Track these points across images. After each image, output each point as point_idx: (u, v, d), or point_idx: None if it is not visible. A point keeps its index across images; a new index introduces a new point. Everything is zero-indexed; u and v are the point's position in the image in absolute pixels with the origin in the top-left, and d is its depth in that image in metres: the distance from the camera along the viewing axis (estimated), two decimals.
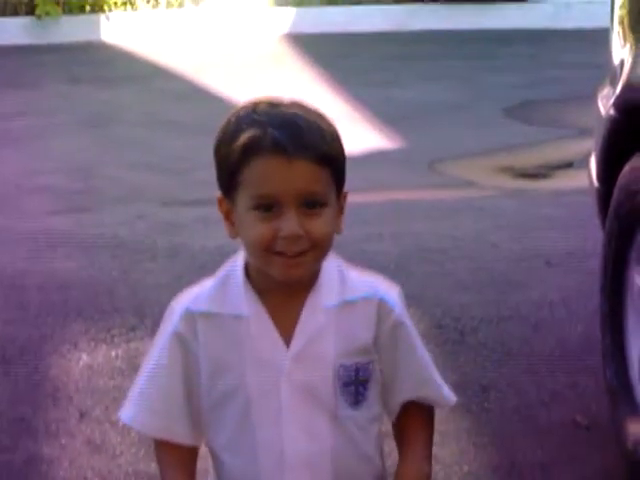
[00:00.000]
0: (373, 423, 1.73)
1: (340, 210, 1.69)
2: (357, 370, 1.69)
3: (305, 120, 1.62)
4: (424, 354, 1.75)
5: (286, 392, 1.66)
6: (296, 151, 1.59)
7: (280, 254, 1.62)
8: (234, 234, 1.67)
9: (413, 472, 1.73)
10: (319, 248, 1.63)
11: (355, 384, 1.69)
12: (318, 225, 1.62)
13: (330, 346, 1.67)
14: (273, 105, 1.64)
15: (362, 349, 1.69)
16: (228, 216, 1.68)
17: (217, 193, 1.69)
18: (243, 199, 1.63)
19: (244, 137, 1.60)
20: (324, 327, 1.67)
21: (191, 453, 1.76)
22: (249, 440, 1.68)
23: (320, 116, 1.66)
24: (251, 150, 1.60)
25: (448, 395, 1.77)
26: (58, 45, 10.24)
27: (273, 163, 1.59)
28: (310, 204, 1.62)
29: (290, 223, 1.60)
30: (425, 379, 1.74)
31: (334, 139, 1.65)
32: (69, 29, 10.46)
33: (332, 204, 1.64)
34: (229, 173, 1.64)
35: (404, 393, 1.73)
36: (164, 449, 1.76)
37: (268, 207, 1.61)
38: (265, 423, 1.67)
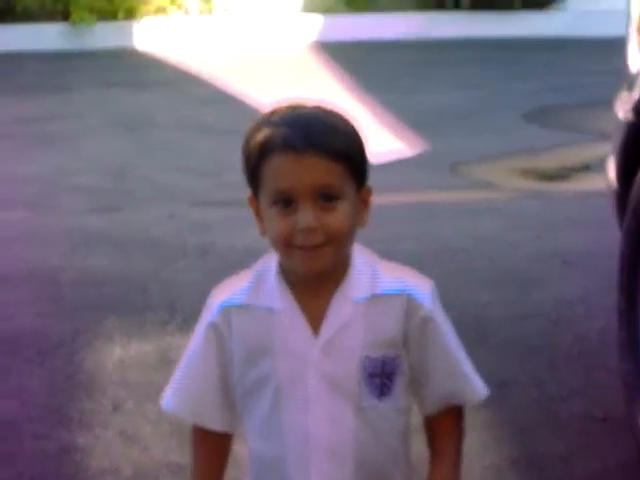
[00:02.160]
0: (399, 416, 1.75)
1: (363, 204, 1.72)
2: (383, 362, 1.71)
3: (319, 118, 1.66)
4: (456, 349, 1.76)
5: (313, 381, 1.70)
6: (305, 146, 1.63)
7: (299, 248, 1.66)
8: (263, 231, 1.72)
9: None
10: (336, 241, 1.66)
11: (380, 376, 1.71)
12: (334, 218, 1.65)
13: (358, 338, 1.70)
14: (293, 108, 1.70)
15: (389, 342, 1.71)
16: (258, 214, 1.72)
17: (248, 192, 1.75)
18: (264, 196, 1.68)
19: (259, 137, 1.67)
20: (352, 319, 1.70)
21: (224, 442, 1.82)
22: (277, 426, 1.72)
23: (337, 115, 1.69)
24: (265, 149, 1.66)
25: (480, 389, 1.77)
26: (92, 51, 10.30)
27: (284, 159, 1.64)
28: (325, 197, 1.65)
29: (305, 215, 1.64)
30: (456, 374, 1.75)
31: (349, 136, 1.68)
32: (102, 35, 10.53)
33: (350, 198, 1.67)
34: (251, 173, 1.70)
35: (435, 388, 1.75)
36: (198, 437, 1.82)
37: (286, 203, 1.65)
38: (293, 410, 1.71)
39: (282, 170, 1.65)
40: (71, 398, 3.43)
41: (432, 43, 10.34)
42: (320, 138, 1.64)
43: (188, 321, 3.89)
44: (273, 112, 1.71)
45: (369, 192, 1.74)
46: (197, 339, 1.78)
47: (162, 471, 3.00)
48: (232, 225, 5.07)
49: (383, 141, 6.63)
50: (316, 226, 1.64)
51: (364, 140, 1.73)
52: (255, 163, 1.68)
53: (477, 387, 1.77)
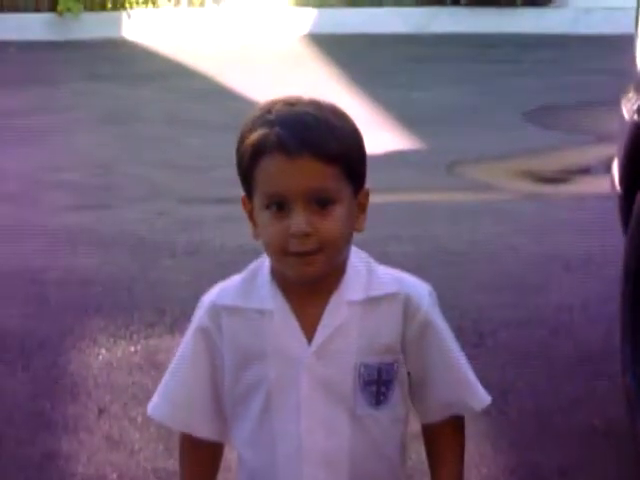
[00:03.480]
0: (396, 424, 1.71)
1: (360, 208, 1.67)
2: (380, 370, 1.67)
3: (314, 117, 1.61)
4: (458, 355, 1.73)
5: (305, 386, 1.66)
6: (299, 149, 1.59)
7: (293, 254, 1.62)
8: (257, 235, 1.68)
9: None
10: (330, 248, 1.62)
11: (377, 384, 1.67)
12: (328, 223, 1.61)
13: (352, 342, 1.66)
14: (288, 104, 1.64)
15: (386, 348, 1.68)
16: (251, 216, 1.69)
17: (242, 193, 1.70)
18: (258, 198, 1.65)
19: (253, 137, 1.62)
20: (347, 322, 1.66)
21: (215, 453, 1.76)
22: (268, 434, 1.68)
23: (335, 113, 1.65)
24: (258, 150, 1.62)
25: (482, 397, 1.73)
26: (79, 42, 10.28)
27: (277, 161, 1.60)
28: (320, 201, 1.61)
29: (297, 221, 1.60)
30: (459, 380, 1.72)
31: (346, 136, 1.63)
32: (90, 26, 10.49)
33: (345, 201, 1.63)
34: (244, 174, 1.66)
35: (436, 396, 1.71)
36: (187, 447, 1.76)
37: (279, 206, 1.62)
38: (284, 417, 1.67)
39: (275, 173, 1.61)
40: (55, 402, 3.40)
41: (430, 38, 10.35)
42: (315, 139, 1.60)
43: (177, 322, 3.87)
44: (269, 109, 1.64)
45: (367, 195, 1.69)
46: (186, 343, 1.74)
47: (149, 477, 2.97)
48: (223, 223, 5.03)
49: (377, 139, 6.57)
50: (309, 231, 1.61)
51: (363, 140, 1.67)
52: (248, 164, 1.64)
53: (480, 394, 1.73)
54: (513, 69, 8.98)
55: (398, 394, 1.70)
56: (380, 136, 6.71)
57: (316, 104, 1.65)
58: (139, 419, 3.22)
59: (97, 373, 3.57)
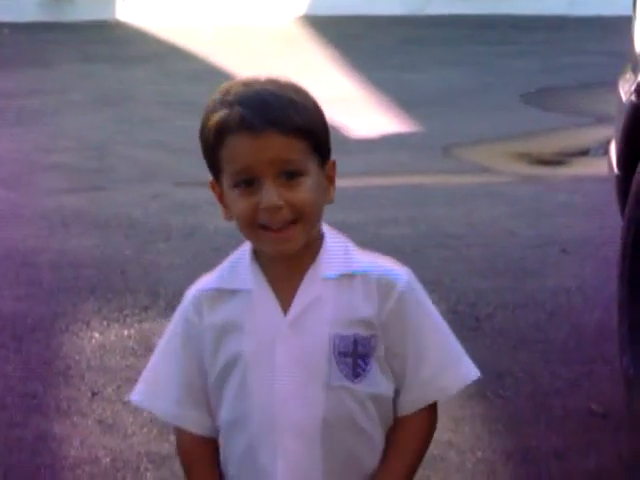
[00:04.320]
0: (377, 401, 1.70)
1: (329, 180, 1.69)
2: (355, 342, 1.67)
3: (274, 94, 1.64)
4: (443, 327, 1.72)
5: (280, 358, 1.67)
6: (263, 125, 1.61)
7: (265, 228, 1.64)
8: (229, 216, 1.70)
9: None
10: (304, 217, 1.64)
11: (353, 356, 1.67)
12: (298, 194, 1.63)
13: (327, 314, 1.67)
14: (246, 84, 1.67)
15: (362, 322, 1.68)
16: (221, 199, 1.70)
17: (209, 177, 1.71)
18: (225, 179, 1.67)
19: (214, 119, 1.65)
20: (322, 295, 1.68)
21: (209, 444, 1.74)
22: (245, 407, 1.68)
23: (295, 90, 1.67)
24: (222, 130, 1.64)
25: (468, 372, 1.72)
26: (73, 23, 10.25)
27: (242, 139, 1.63)
28: (288, 174, 1.63)
29: (268, 194, 1.62)
30: (446, 349, 1.71)
31: (308, 111, 1.66)
32: (84, 7, 10.45)
33: (313, 174, 1.65)
34: (210, 156, 1.68)
35: (415, 378, 1.70)
36: (181, 440, 1.76)
37: (248, 183, 1.64)
38: (259, 389, 1.68)
39: (241, 151, 1.63)
40: (48, 384, 3.38)
41: (427, 20, 10.32)
42: (278, 115, 1.62)
43: (171, 305, 3.85)
44: (226, 91, 1.67)
45: (333, 166, 1.71)
46: (170, 334, 1.76)
47: (142, 460, 2.96)
48: (218, 206, 4.95)
49: (373, 120, 6.55)
50: (280, 204, 1.63)
51: (324, 114, 1.69)
52: (213, 146, 1.66)
53: (465, 369, 1.71)
54: (510, 51, 8.97)
55: (376, 370, 1.69)
56: (376, 118, 6.69)
57: (275, 82, 1.67)
58: (132, 403, 3.20)
59: (90, 356, 3.56)
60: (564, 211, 5.04)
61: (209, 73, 8.11)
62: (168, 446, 2.94)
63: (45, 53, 9.03)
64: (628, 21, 3.40)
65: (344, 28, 9.88)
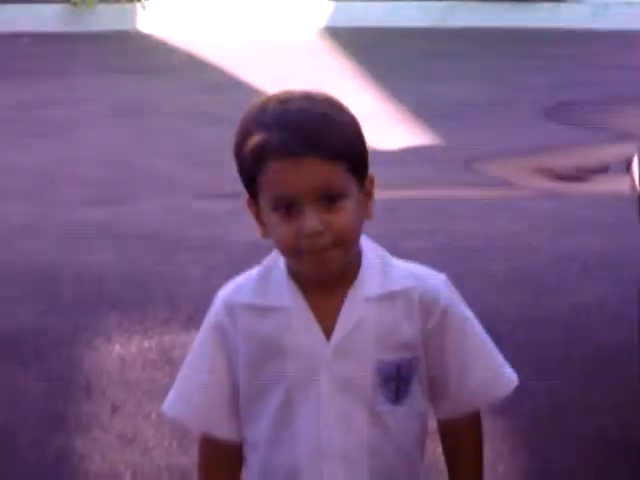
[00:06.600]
0: (415, 420, 1.70)
1: (367, 196, 1.68)
2: (399, 367, 1.67)
3: (313, 115, 1.61)
4: (479, 340, 1.72)
5: (325, 384, 1.65)
6: (303, 150, 1.59)
7: (307, 253, 1.62)
8: (266, 234, 1.68)
9: None
10: (344, 242, 1.63)
11: (396, 380, 1.67)
12: (339, 219, 1.61)
13: (370, 339, 1.66)
14: (281, 102, 1.63)
15: (405, 344, 1.67)
16: (258, 217, 1.68)
17: (246, 195, 1.69)
18: (263, 200, 1.64)
19: (252, 142, 1.62)
20: (364, 318, 1.66)
21: (237, 454, 1.74)
22: (288, 431, 1.67)
23: (331, 106, 1.64)
24: (261, 155, 1.61)
25: (510, 375, 1.74)
26: (93, 33, 10.25)
27: (283, 166, 1.60)
28: (329, 198, 1.62)
29: (310, 220, 1.60)
30: (482, 366, 1.71)
31: (347, 127, 1.64)
32: (104, 17, 10.46)
33: (353, 194, 1.64)
34: (247, 177, 1.65)
35: (459, 386, 1.71)
36: (208, 450, 1.75)
37: (289, 207, 1.62)
38: (304, 414, 1.66)
39: (281, 177, 1.61)
40: (68, 400, 3.38)
41: (448, 33, 10.29)
42: (318, 138, 1.60)
43: (191, 318, 3.85)
44: (262, 110, 1.64)
45: (372, 182, 1.70)
46: (202, 340, 1.74)
47: (163, 474, 2.96)
48: (238, 218, 4.98)
49: (394, 133, 6.55)
50: (321, 229, 1.61)
51: (361, 128, 1.67)
52: (251, 170, 1.64)
53: (505, 378, 1.74)
54: (531, 64, 8.93)
55: (417, 390, 1.69)
56: (397, 131, 6.68)
57: (310, 98, 1.64)
58: (153, 416, 3.21)
59: (111, 370, 3.56)
60: (584, 227, 5.02)
61: (230, 85, 8.11)
62: (188, 459, 2.94)
63: (65, 64, 9.03)
64: None
65: (365, 40, 9.86)
